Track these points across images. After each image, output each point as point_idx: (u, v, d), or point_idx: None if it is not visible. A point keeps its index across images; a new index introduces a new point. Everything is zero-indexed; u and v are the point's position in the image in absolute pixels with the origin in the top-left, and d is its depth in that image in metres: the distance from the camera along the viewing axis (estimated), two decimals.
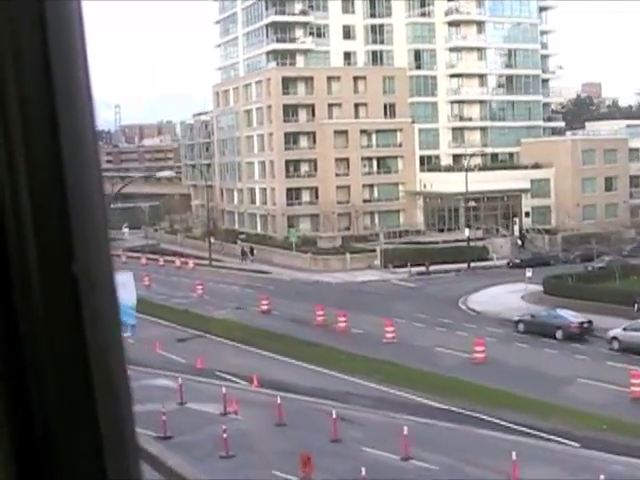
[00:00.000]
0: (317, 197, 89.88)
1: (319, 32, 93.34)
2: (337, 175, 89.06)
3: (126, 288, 27.48)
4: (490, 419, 34.35)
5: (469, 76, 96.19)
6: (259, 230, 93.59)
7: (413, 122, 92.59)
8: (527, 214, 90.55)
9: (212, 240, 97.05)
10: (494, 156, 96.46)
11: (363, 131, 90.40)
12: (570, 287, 58.79)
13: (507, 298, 60.26)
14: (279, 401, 33.10)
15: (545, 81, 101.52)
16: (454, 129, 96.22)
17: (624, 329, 45.45)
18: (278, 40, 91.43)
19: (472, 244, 77.62)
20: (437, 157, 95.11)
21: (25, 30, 1.10)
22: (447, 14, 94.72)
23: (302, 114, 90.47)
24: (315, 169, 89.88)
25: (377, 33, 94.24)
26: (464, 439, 31.20)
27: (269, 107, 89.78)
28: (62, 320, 1.12)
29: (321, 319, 53.30)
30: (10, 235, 1.10)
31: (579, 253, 76.59)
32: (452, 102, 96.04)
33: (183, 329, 52.86)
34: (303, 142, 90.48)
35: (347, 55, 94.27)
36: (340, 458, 28.74)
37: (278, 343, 47.35)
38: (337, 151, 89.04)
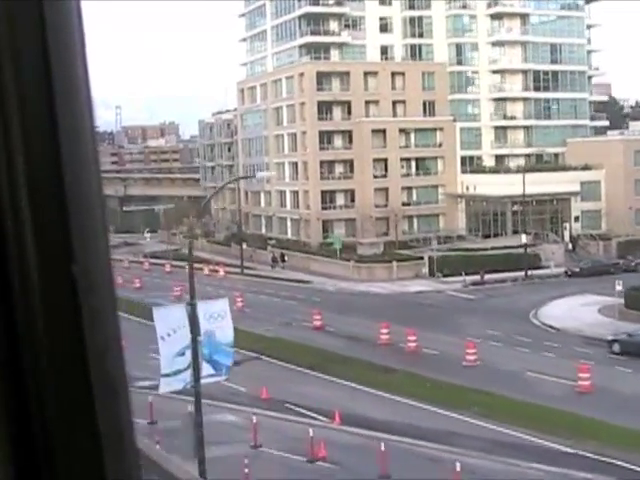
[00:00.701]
0: (353, 200, 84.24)
1: (354, 24, 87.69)
2: (375, 177, 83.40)
3: (222, 319, 21.81)
4: (628, 465, 28.76)
5: (512, 72, 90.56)
6: (290, 235, 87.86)
7: (454, 120, 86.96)
8: (576, 218, 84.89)
9: (235, 245, 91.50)
10: (538, 157, 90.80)
11: (401, 130, 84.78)
12: None
13: (582, 312, 54.66)
14: (382, 448, 27.43)
15: (589, 78, 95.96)
16: (496, 128, 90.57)
17: None
18: (312, 33, 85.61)
19: (520, 251, 72.15)
20: (479, 158, 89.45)
21: (24, 30, 1.10)
22: (489, 6, 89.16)
23: (337, 112, 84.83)
24: (351, 170, 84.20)
25: (415, 26, 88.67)
26: None
27: (302, 104, 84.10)
28: (61, 320, 1.13)
29: (386, 337, 47.65)
30: (9, 235, 1.10)
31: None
32: (494, 99, 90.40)
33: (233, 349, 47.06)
34: (338, 141, 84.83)
35: (384, 49, 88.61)
36: None
37: (346, 367, 41.68)
38: (374, 151, 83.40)
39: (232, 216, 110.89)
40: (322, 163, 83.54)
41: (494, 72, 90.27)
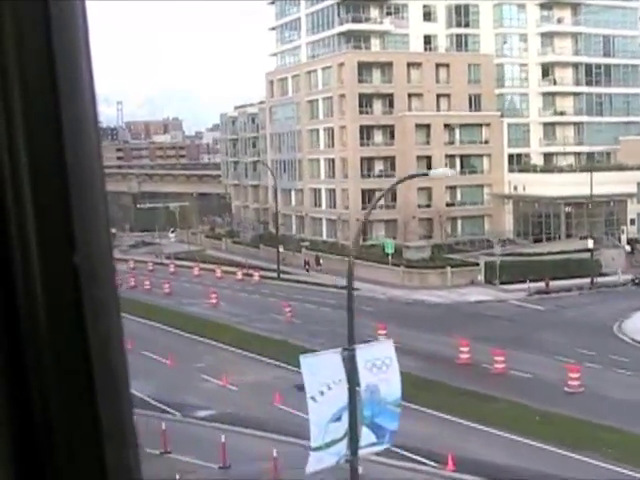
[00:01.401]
0: (393, 200, 78.61)
1: (397, 12, 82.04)
2: None
3: (387, 368, 16.21)
4: None
5: (562, 64, 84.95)
6: (325, 237, 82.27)
7: (502, 116, 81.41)
8: (632, 221, 79.37)
9: (265, 247, 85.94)
10: (589, 155, 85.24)
11: (446, 125, 79.25)
12: None
13: None
14: None
15: None
16: (545, 124, 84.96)
17: None
18: (353, 20, 79.86)
19: (579, 256, 66.78)
20: (527, 156, 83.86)
21: (29, 29, 1.11)
22: None
23: (377, 105, 79.27)
24: (392, 168, 78.57)
25: (461, 15, 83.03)
26: None
27: (341, 96, 78.47)
28: (63, 310, 1.13)
29: (466, 357, 42.13)
30: (12, 227, 1.11)
31: None
32: (543, 94, 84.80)
33: (294, 369, 41.41)
34: (378, 137, 79.25)
35: (427, 39, 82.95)
36: None
37: (434, 394, 36.11)
38: (418, 148, 77.89)
39: (256, 215, 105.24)
40: (361, 160, 77.99)
41: (543, 65, 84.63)
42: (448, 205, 79.11)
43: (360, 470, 24.90)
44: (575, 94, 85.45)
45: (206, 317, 55.54)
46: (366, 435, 16.05)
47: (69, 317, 1.13)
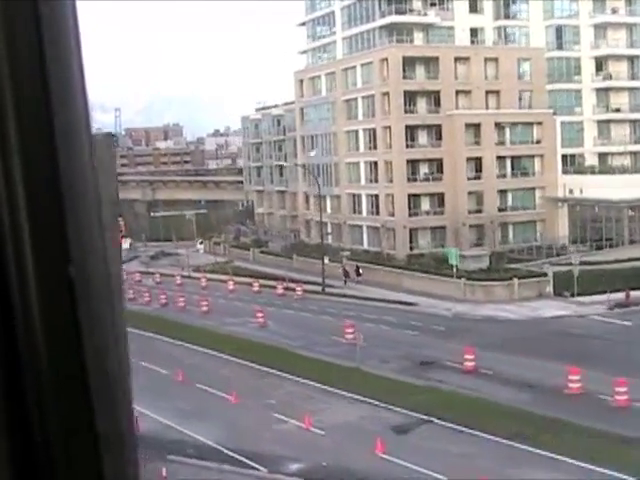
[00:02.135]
0: (440, 205, 73.02)
1: (441, 3, 76.42)
2: (468, 179, 72.22)
3: None
4: None
5: (617, 58, 79.37)
6: (367, 245, 76.50)
7: (554, 114, 75.78)
8: None
9: (298, 257, 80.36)
10: None
11: (496, 124, 73.61)
12: None
13: None
14: None
15: None
16: (599, 122, 79.36)
17: None
18: (396, 12, 74.13)
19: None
20: (580, 156, 78.22)
21: (20, 29, 1.11)
22: None
23: (421, 103, 73.64)
24: (439, 171, 72.91)
25: (509, 6, 77.39)
26: None
27: (384, 94, 72.76)
28: (59, 322, 1.12)
29: (577, 386, 36.37)
30: (6, 237, 1.10)
31: None
32: (597, 90, 79.20)
33: (380, 405, 35.65)
34: (423, 138, 73.58)
35: (473, 32, 77.36)
36: None
37: (556, 435, 30.38)
38: (467, 149, 72.26)
39: (283, 223, 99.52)
40: (406, 163, 72.33)
41: (597, 58, 79.05)
42: (499, 210, 73.48)
43: None
44: (631, 89, 79.85)
45: (257, 340, 49.68)
46: None
47: (65, 328, 1.12)
